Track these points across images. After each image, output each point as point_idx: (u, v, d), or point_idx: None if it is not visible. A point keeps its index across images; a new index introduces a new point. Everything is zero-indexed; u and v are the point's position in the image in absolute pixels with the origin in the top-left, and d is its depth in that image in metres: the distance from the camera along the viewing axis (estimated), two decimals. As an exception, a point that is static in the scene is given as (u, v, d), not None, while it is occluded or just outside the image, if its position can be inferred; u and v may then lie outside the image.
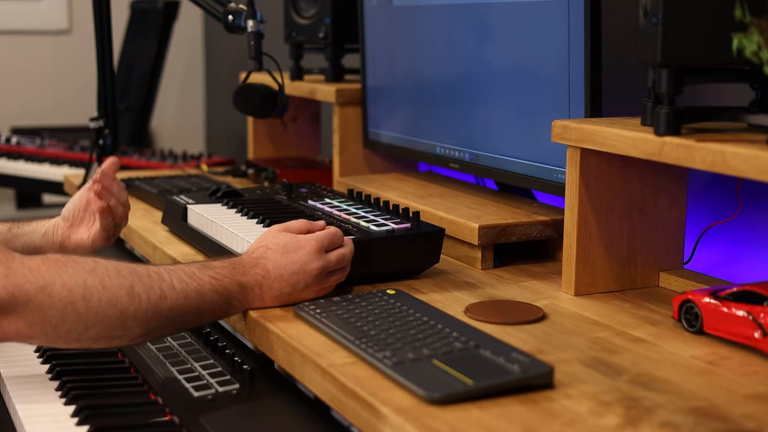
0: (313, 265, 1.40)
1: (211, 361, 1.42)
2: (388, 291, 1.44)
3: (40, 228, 1.69)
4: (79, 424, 1.24)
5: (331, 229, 1.47)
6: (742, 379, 1.17)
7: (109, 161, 1.75)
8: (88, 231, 1.69)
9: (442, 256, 1.62)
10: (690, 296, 1.32)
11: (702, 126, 1.33)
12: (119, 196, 1.71)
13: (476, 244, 1.66)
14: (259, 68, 2.11)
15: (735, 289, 1.29)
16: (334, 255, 1.43)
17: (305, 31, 2.39)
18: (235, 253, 1.57)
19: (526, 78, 1.76)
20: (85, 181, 2.38)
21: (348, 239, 1.49)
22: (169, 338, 1.51)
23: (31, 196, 3.59)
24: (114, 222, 1.70)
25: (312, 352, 1.26)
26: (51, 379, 1.39)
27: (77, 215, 1.70)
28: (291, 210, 1.76)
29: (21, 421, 1.26)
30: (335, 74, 2.36)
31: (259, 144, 2.67)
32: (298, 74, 2.44)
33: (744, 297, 1.27)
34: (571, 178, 1.49)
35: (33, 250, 1.66)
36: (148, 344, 1.49)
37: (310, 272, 1.40)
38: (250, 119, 2.66)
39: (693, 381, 1.16)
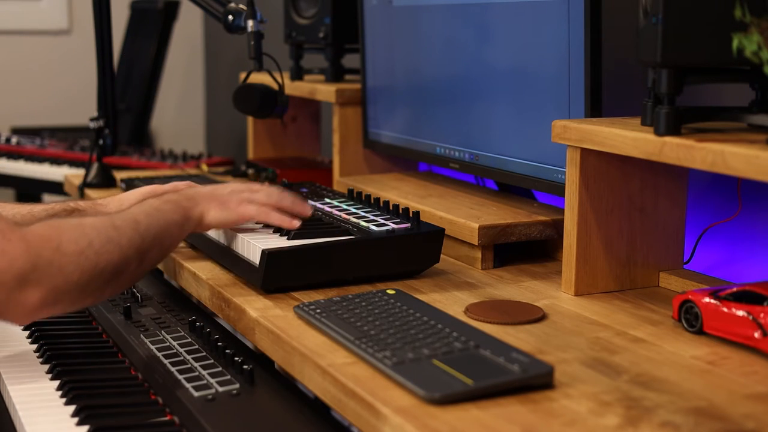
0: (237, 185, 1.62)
1: (211, 361, 1.42)
2: (388, 291, 1.44)
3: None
4: (79, 424, 1.24)
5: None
6: (742, 379, 1.17)
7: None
8: None
9: (442, 256, 1.62)
10: (690, 296, 1.32)
11: (702, 126, 1.33)
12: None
13: (476, 244, 1.66)
14: (259, 68, 2.12)
15: (735, 289, 1.29)
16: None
17: (305, 31, 2.39)
18: (245, 257, 1.58)
19: (526, 78, 1.76)
20: (85, 180, 2.38)
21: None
22: (169, 338, 1.51)
23: (31, 196, 3.59)
24: None
25: (312, 352, 1.26)
26: (51, 380, 1.39)
27: None
28: (291, 210, 1.75)
29: (21, 421, 1.26)
30: (335, 74, 2.36)
31: (259, 144, 2.67)
32: (298, 74, 2.44)
33: (744, 297, 1.27)
34: (571, 178, 1.49)
35: None
36: (148, 344, 1.49)
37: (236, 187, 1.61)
38: (250, 119, 2.66)
39: (693, 381, 1.16)
